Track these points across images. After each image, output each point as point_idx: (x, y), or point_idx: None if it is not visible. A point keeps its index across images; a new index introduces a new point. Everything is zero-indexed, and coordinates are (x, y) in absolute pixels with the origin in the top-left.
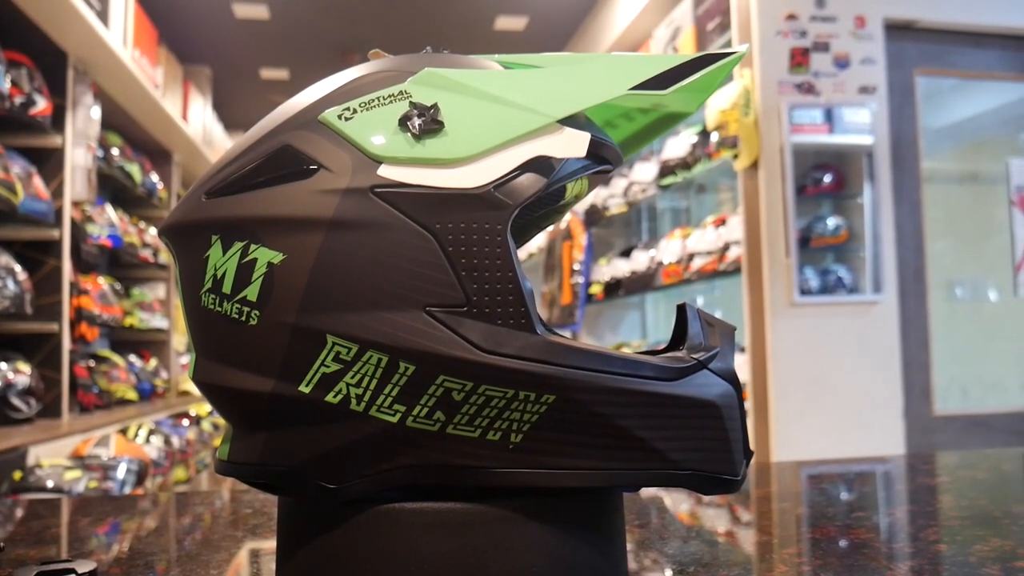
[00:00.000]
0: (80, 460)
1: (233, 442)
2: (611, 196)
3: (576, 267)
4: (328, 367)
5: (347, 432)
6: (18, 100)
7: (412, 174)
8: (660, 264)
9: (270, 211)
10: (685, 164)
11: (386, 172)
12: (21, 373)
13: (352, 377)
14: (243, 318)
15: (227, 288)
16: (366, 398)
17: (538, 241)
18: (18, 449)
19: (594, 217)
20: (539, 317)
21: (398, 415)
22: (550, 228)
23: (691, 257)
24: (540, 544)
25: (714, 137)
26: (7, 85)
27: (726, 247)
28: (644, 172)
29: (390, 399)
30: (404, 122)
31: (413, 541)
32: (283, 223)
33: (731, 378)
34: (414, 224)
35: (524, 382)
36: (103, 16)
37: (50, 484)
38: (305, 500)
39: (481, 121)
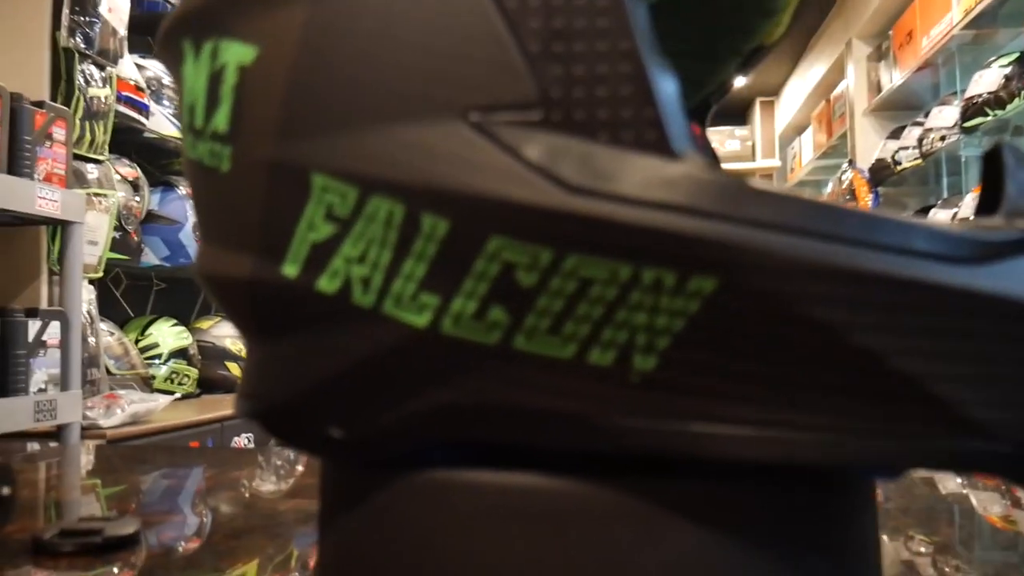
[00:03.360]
0: None
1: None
2: (901, 148)
3: None
4: (317, 230)
5: (352, 344)
6: None
7: None
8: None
9: None
10: (998, 101)
11: None
12: None
13: (353, 247)
14: (215, 163)
15: (199, 120)
16: (376, 284)
17: None
18: None
19: (881, 174)
20: (689, 132)
21: (428, 314)
22: (830, 191)
23: None
24: (699, 566)
25: None
26: None
27: None
28: (943, 117)
29: (413, 285)
30: None
31: (467, 533)
32: None
33: None
34: None
35: (651, 251)
36: None
37: None
38: (316, 454)
39: None
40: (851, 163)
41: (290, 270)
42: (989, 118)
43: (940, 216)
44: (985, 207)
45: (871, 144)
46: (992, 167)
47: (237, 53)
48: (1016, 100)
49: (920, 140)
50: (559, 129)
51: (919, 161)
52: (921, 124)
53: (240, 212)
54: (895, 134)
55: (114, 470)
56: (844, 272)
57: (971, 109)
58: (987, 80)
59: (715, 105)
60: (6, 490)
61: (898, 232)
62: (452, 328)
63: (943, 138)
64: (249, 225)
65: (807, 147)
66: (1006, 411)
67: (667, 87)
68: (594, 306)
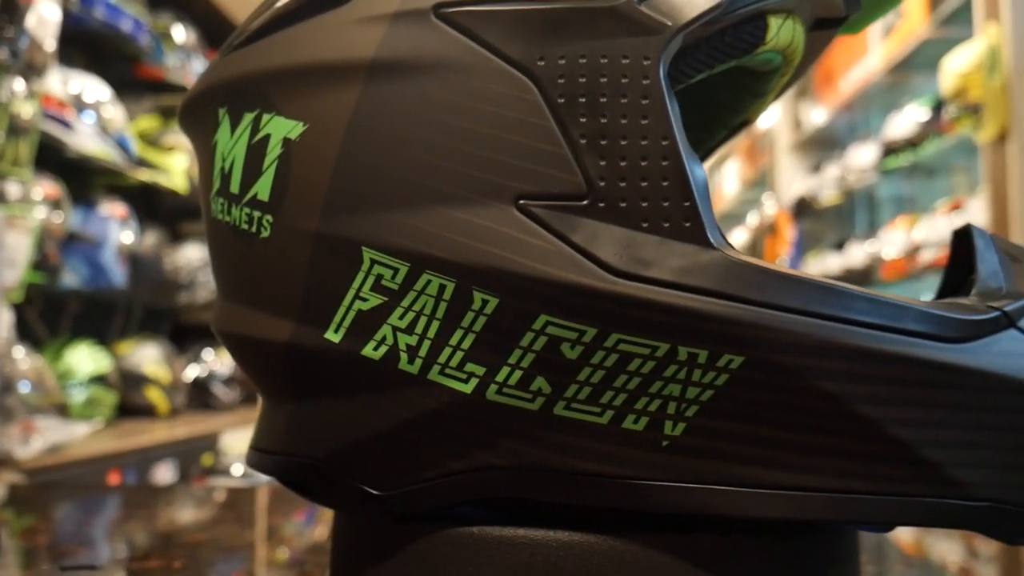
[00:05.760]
0: None
1: (260, 420)
2: (822, 187)
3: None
4: (365, 300)
5: (396, 407)
6: None
7: None
8: (880, 259)
9: (288, 59)
10: (911, 144)
11: None
12: (224, 363)
13: (401, 317)
14: (254, 228)
15: (235, 186)
16: (423, 352)
17: (739, 239)
18: (213, 435)
19: (803, 209)
20: (716, 223)
21: (474, 382)
22: (753, 224)
23: (917, 249)
24: None
25: (949, 112)
26: None
27: None
28: (861, 156)
29: (460, 355)
30: None
31: None
32: (305, 75)
33: None
34: (500, 61)
35: (688, 331)
36: None
37: (235, 470)
38: (346, 510)
39: None
40: (772, 197)
41: (334, 336)
42: (903, 161)
43: (856, 250)
44: (951, 283)
45: (793, 179)
46: (960, 247)
47: (283, 127)
48: (928, 142)
49: (839, 179)
50: (603, 216)
51: (838, 199)
52: (840, 162)
53: (280, 278)
54: (816, 170)
55: (69, 514)
56: (851, 349)
57: (887, 152)
58: (902, 124)
59: None
60: None
61: (895, 314)
62: (496, 395)
63: (860, 178)
64: (290, 291)
65: (731, 179)
66: (985, 472)
67: (700, 178)
68: (631, 378)
